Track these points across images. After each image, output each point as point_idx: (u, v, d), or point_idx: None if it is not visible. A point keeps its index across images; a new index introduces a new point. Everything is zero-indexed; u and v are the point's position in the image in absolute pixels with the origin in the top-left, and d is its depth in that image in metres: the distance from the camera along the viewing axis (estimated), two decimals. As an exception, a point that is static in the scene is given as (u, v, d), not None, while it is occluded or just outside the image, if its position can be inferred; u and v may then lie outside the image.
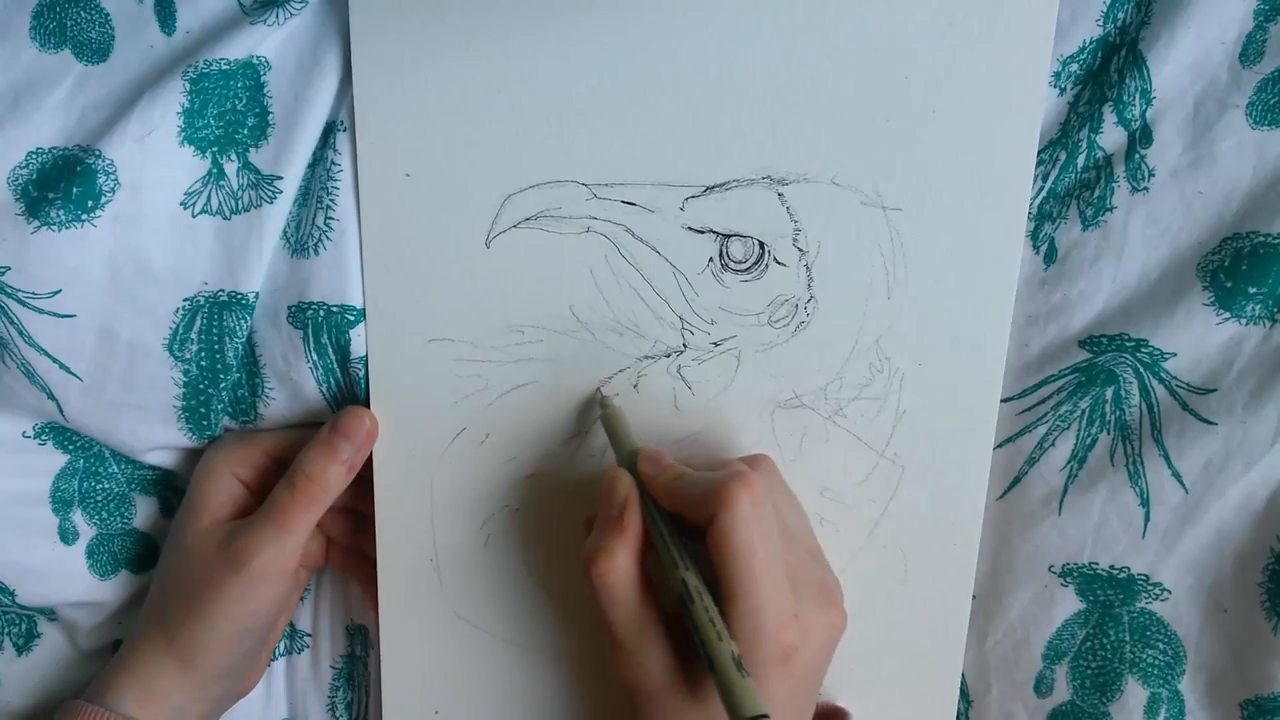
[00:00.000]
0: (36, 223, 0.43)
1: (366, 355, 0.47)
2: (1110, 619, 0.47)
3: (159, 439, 0.50)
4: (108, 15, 0.45)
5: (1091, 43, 0.43)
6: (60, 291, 0.45)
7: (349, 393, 0.49)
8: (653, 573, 0.41)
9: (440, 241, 0.46)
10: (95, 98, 0.45)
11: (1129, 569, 0.46)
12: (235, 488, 0.48)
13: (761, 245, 0.44)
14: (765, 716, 0.34)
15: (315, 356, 0.47)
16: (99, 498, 0.53)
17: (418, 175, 0.45)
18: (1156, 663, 0.46)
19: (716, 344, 0.46)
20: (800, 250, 0.44)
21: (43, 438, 0.51)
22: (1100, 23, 0.43)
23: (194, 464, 0.50)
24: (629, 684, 0.41)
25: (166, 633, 0.47)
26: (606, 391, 0.46)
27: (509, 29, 0.44)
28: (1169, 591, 0.45)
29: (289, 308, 0.47)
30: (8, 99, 0.44)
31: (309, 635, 0.56)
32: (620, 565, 0.40)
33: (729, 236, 0.45)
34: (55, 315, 0.45)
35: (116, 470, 0.53)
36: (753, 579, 0.38)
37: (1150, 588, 0.46)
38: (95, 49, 0.45)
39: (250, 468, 0.49)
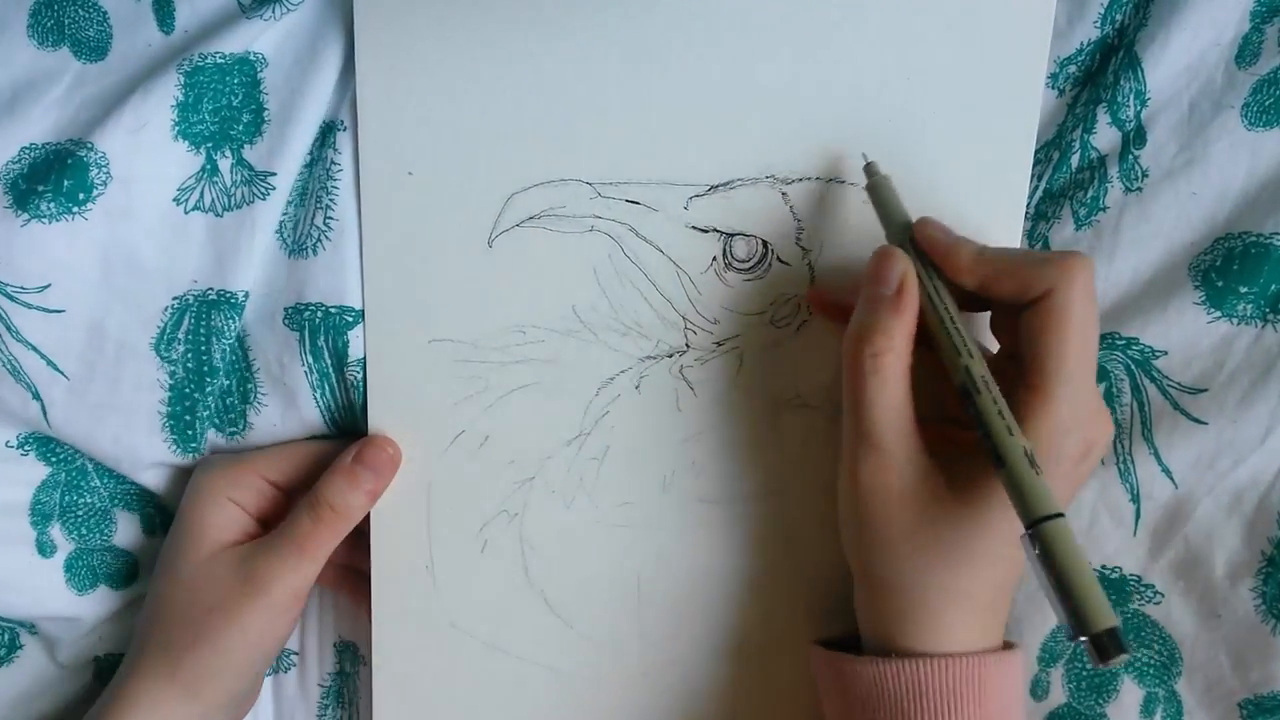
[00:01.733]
0: (26, 215, 0.43)
1: (364, 358, 0.47)
2: None
3: (142, 448, 0.48)
4: (105, 14, 0.45)
5: (1089, 44, 0.44)
6: (50, 286, 0.44)
7: (344, 400, 0.48)
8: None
9: (442, 240, 0.46)
10: (92, 95, 0.44)
11: (1120, 569, 0.46)
12: (233, 511, 0.47)
13: (765, 244, 0.45)
14: (1061, 516, 0.33)
15: (311, 359, 0.47)
16: (79, 512, 0.51)
17: (420, 174, 0.45)
18: (1152, 663, 0.46)
19: (719, 344, 0.46)
20: (803, 249, 0.45)
21: (25, 448, 0.50)
22: (1098, 24, 0.43)
23: (179, 483, 0.49)
24: (874, 487, 0.39)
25: (170, 664, 0.45)
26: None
27: (514, 26, 0.44)
28: (1161, 595, 0.45)
29: (285, 309, 0.46)
30: (5, 97, 0.44)
31: (295, 654, 0.55)
32: (898, 347, 0.37)
33: (732, 235, 0.45)
34: (44, 310, 0.44)
35: (99, 484, 0.51)
36: (1080, 364, 0.36)
37: (1143, 589, 0.46)
38: (93, 47, 0.45)
39: (245, 489, 0.47)
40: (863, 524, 0.40)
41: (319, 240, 0.45)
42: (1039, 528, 0.33)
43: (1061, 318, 0.36)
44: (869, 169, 0.43)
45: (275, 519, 0.48)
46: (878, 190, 0.42)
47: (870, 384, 0.38)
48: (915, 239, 0.40)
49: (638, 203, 0.45)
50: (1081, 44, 0.44)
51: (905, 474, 0.38)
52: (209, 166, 0.45)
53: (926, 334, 0.39)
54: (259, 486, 0.48)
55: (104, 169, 0.43)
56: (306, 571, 0.45)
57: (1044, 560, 0.32)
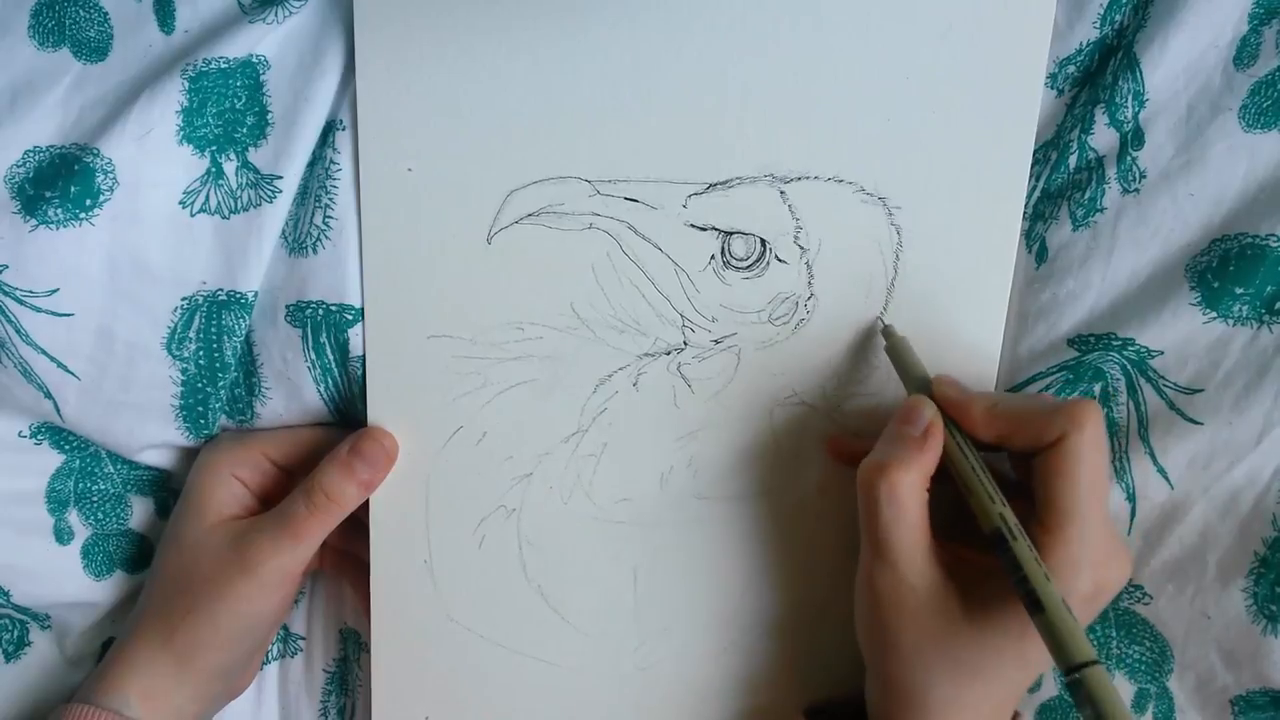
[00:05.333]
0: (34, 221, 0.43)
1: (364, 354, 0.47)
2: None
3: (156, 438, 0.49)
4: (106, 14, 0.45)
5: (1088, 45, 0.43)
6: (58, 290, 0.44)
7: (347, 393, 0.49)
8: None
9: (441, 237, 0.46)
10: (93, 97, 0.45)
11: None
12: (236, 487, 0.48)
13: (763, 243, 0.45)
14: (1098, 663, 0.34)
15: (314, 356, 0.47)
16: (95, 498, 0.52)
17: (419, 171, 0.45)
18: (1143, 659, 0.46)
19: (717, 341, 0.46)
20: (801, 248, 0.45)
21: (39, 437, 0.51)
22: (1097, 25, 0.43)
23: (190, 463, 0.50)
24: (888, 597, 0.40)
25: (166, 630, 0.46)
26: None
27: (513, 24, 0.44)
28: (1150, 597, 0.45)
29: (287, 307, 0.47)
30: (5, 97, 0.44)
31: (302, 639, 0.56)
32: (915, 479, 0.39)
33: (731, 234, 0.45)
34: (53, 314, 0.45)
35: (113, 470, 0.52)
36: (1090, 507, 0.38)
37: (1132, 590, 0.46)
38: (94, 48, 0.45)
39: (249, 468, 0.49)
40: (875, 628, 0.41)
41: (319, 239, 0.46)
42: (1081, 673, 0.34)
43: (1072, 462, 0.38)
44: (886, 332, 0.44)
45: (276, 498, 0.49)
46: (896, 351, 0.44)
47: (886, 510, 0.39)
48: (933, 396, 0.41)
49: (636, 200, 0.45)
50: (1081, 44, 0.44)
51: (919, 590, 0.40)
52: (214, 170, 0.45)
53: (944, 472, 0.40)
54: (262, 465, 0.49)
55: (110, 175, 0.43)
56: (297, 554, 0.46)
57: (1087, 704, 0.34)
